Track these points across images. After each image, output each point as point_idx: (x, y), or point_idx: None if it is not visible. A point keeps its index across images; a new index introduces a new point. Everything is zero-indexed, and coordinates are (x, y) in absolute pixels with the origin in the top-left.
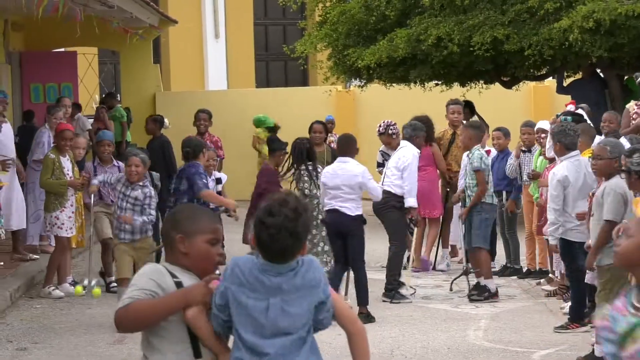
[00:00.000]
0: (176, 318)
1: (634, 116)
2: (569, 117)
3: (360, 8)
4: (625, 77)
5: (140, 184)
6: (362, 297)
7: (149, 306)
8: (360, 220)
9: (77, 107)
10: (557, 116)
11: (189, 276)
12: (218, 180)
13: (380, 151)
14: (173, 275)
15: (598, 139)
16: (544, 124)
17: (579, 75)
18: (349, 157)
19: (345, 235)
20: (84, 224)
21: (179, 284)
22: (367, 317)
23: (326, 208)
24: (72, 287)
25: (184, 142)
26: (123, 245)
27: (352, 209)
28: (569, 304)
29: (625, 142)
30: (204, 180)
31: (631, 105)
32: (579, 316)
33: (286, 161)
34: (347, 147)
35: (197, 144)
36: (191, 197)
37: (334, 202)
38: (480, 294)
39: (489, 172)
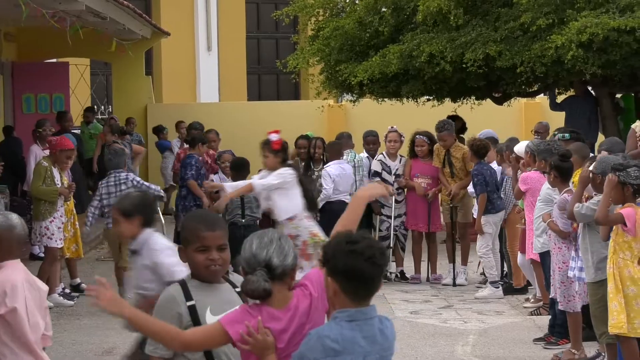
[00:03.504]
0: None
1: (639, 136)
2: (566, 134)
3: (354, 24)
4: (620, 95)
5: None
6: None
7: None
8: None
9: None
10: (555, 134)
11: (204, 293)
12: None
13: (378, 160)
14: (188, 297)
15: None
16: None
17: (571, 92)
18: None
19: None
20: (78, 233)
21: (192, 309)
22: None
23: (334, 198)
24: (61, 298)
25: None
26: (109, 231)
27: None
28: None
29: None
30: (192, 172)
31: (637, 126)
32: (567, 331)
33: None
34: (340, 152)
35: (195, 136)
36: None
37: (341, 196)
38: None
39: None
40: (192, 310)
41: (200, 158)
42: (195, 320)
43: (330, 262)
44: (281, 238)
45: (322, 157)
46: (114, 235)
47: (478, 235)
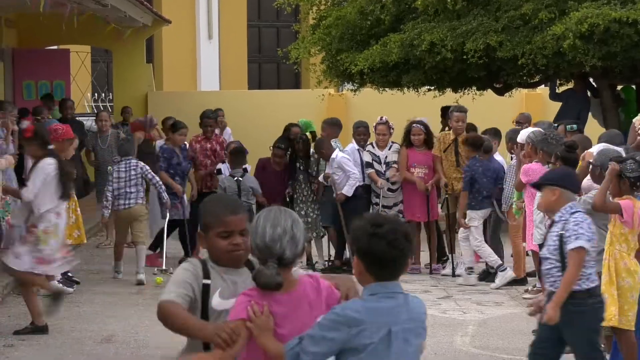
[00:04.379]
0: None
1: (639, 131)
2: (574, 126)
3: (355, 13)
4: (620, 87)
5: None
6: None
7: (175, 318)
8: None
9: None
10: (556, 127)
11: (221, 278)
12: (245, 170)
13: (367, 151)
14: (206, 275)
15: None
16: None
17: (571, 84)
18: None
19: None
20: (80, 219)
21: (205, 287)
22: None
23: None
24: (60, 285)
25: None
26: (121, 214)
27: None
28: None
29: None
30: (162, 164)
31: (638, 120)
32: None
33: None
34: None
35: (171, 123)
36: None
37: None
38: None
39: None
40: (205, 288)
41: (180, 145)
42: (205, 298)
43: (355, 244)
44: (293, 225)
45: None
46: (127, 215)
47: (461, 230)
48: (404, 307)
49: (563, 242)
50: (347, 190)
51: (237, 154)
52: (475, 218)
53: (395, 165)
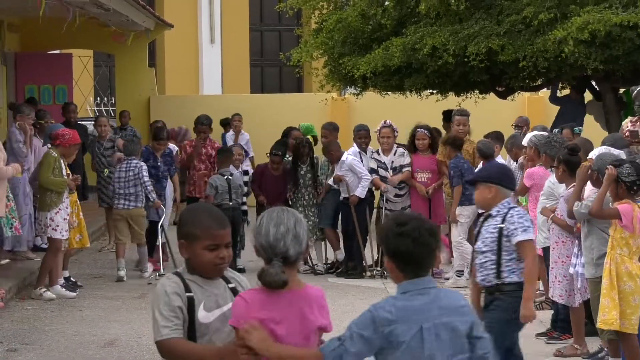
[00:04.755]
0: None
1: (626, 133)
2: (581, 128)
3: (357, 16)
4: (622, 90)
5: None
6: None
7: (185, 352)
8: None
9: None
10: (561, 131)
11: (199, 288)
12: (245, 173)
13: (372, 158)
14: (187, 289)
15: None
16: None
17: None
18: None
19: None
20: (83, 223)
21: (190, 300)
22: None
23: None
24: (63, 290)
25: None
26: (119, 213)
27: None
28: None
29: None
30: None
31: (625, 122)
32: (569, 326)
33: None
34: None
35: (153, 133)
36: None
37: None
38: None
39: None
40: (190, 301)
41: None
42: (191, 312)
43: (383, 244)
44: (296, 224)
45: (309, 155)
46: (126, 214)
47: (452, 225)
48: (435, 303)
49: (502, 236)
50: (360, 192)
51: (224, 153)
52: (464, 215)
53: (406, 169)
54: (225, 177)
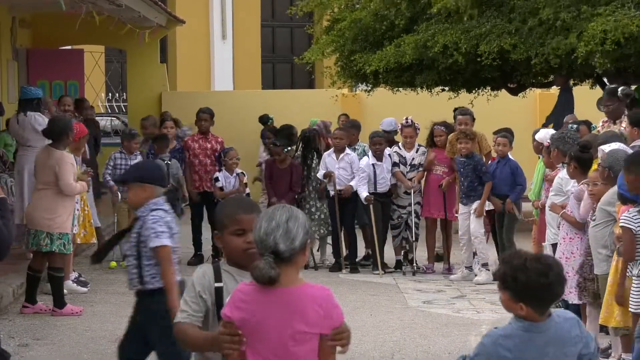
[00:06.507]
0: None
1: (599, 128)
2: (595, 125)
3: (370, 17)
4: (634, 86)
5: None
6: None
7: (187, 337)
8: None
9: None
10: (577, 127)
11: (234, 280)
12: (242, 173)
13: (395, 152)
14: (217, 279)
15: None
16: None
17: (587, 83)
18: None
19: None
20: (87, 219)
21: (218, 290)
22: None
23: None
24: (75, 285)
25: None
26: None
27: None
28: None
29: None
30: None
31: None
32: None
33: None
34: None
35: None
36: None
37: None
38: None
39: None
40: (218, 292)
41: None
42: (219, 303)
43: (502, 278)
44: (289, 220)
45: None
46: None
47: (473, 230)
48: (551, 344)
49: (140, 240)
50: (355, 183)
51: (160, 139)
52: (466, 213)
53: (420, 170)
54: (166, 162)
